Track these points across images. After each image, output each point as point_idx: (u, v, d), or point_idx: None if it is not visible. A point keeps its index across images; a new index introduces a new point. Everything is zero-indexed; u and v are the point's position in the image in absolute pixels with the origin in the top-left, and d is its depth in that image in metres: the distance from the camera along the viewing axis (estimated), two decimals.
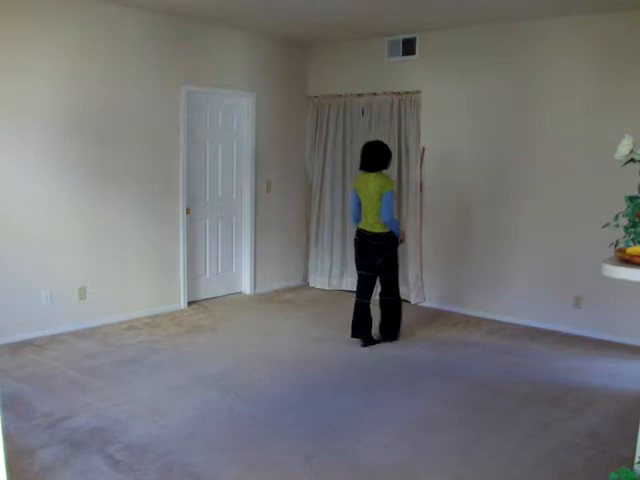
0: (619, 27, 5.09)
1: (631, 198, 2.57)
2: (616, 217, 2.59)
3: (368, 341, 5.08)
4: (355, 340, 5.12)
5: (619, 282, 2.74)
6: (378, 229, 4.93)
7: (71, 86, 5.11)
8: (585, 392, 4.19)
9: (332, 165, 6.97)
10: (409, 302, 6.49)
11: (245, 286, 6.84)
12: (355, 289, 5.22)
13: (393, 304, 5.14)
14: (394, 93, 6.42)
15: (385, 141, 6.50)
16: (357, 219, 5.16)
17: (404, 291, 6.60)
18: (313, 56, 7.12)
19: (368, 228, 4.98)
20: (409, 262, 6.48)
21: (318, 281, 7.19)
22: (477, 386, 4.27)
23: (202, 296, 6.45)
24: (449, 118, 6.14)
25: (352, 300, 5.22)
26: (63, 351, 4.79)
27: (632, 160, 2.52)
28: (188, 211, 6.12)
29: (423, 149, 6.31)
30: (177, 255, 6.04)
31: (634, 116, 4.93)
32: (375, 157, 5.00)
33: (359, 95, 6.70)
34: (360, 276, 5.12)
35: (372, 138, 6.57)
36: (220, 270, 6.62)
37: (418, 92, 6.28)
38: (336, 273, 7.06)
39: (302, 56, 7.10)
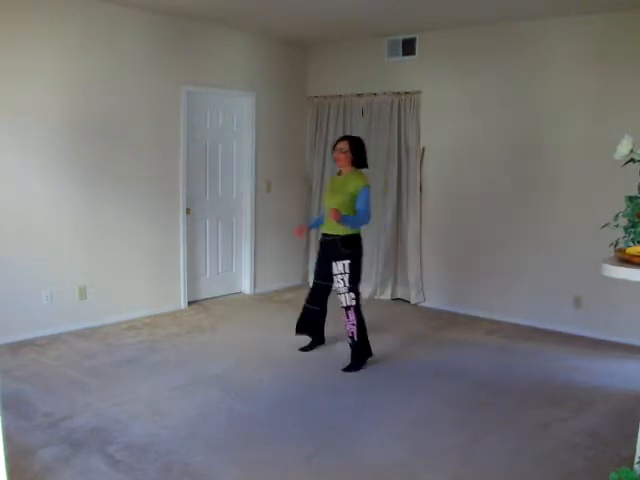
0: (619, 27, 5.09)
1: (631, 198, 2.57)
2: (616, 217, 2.59)
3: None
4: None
5: (619, 282, 2.75)
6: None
7: (71, 86, 5.12)
8: (585, 392, 4.19)
9: (332, 165, 6.96)
10: (409, 302, 6.50)
11: (245, 286, 6.84)
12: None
13: None
14: (394, 93, 6.42)
15: (385, 141, 6.56)
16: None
17: (404, 291, 6.63)
18: (313, 56, 7.12)
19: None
20: (409, 262, 6.49)
21: None
22: (477, 386, 4.27)
23: (202, 296, 6.45)
24: (449, 118, 6.14)
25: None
26: (63, 351, 4.79)
27: (632, 160, 2.52)
28: (188, 211, 6.12)
29: (423, 149, 6.31)
30: (177, 255, 6.04)
31: (634, 116, 4.93)
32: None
33: (359, 95, 6.70)
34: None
35: (372, 138, 6.62)
36: (220, 270, 6.62)
37: (418, 92, 6.28)
38: None
39: (302, 56, 7.10)
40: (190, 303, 6.23)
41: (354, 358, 4.55)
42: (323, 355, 4.85)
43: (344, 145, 4.52)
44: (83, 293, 5.36)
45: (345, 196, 4.45)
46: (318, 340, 5.01)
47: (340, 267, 4.48)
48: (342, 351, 4.93)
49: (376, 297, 6.69)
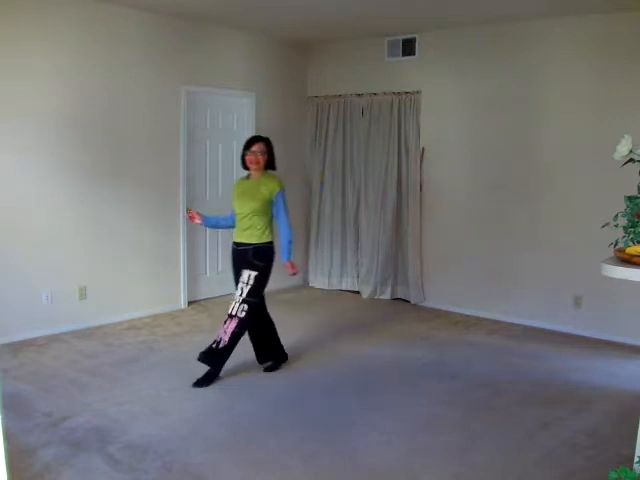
0: (619, 27, 5.09)
1: (630, 198, 2.57)
2: (615, 217, 2.59)
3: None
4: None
5: (619, 282, 2.74)
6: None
7: (71, 86, 5.12)
8: (585, 392, 4.19)
9: (332, 165, 6.97)
10: (409, 302, 6.50)
11: None
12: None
13: None
14: (394, 93, 6.42)
15: (385, 141, 6.56)
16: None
17: (404, 291, 6.62)
18: (313, 56, 7.11)
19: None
20: (409, 262, 6.49)
21: (318, 281, 7.18)
22: (477, 386, 4.27)
23: (202, 296, 6.45)
24: (449, 118, 6.14)
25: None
26: (63, 351, 4.79)
27: (631, 160, 2.52)
28: (188, 211, 6.11)
29: (423, 149, 6.31)
30: (177, 255, 6.04)
31: (634, 116, 4.92)
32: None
33: (359, 95, 6.70)
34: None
35: (372, 138, 6.62)
36: (220, 270, 6.61)
37: (418, 92, 6.28)
38: (336, 273, 7.05)
39: (302, 56, 7.09)
40: (190, 303, 6.22)
41: (210, 361, 4.14)
42: (323, 355, 4.85)
43: (262, 147, 4.21)
44: (83, 293, 5.36)
45: (258, 202, 4.14)
46: (280, 355, 4.55)
47: (245, 277, 4.14)
48: (343, 351, 4.94)
49: (376, 297, 6.69)
